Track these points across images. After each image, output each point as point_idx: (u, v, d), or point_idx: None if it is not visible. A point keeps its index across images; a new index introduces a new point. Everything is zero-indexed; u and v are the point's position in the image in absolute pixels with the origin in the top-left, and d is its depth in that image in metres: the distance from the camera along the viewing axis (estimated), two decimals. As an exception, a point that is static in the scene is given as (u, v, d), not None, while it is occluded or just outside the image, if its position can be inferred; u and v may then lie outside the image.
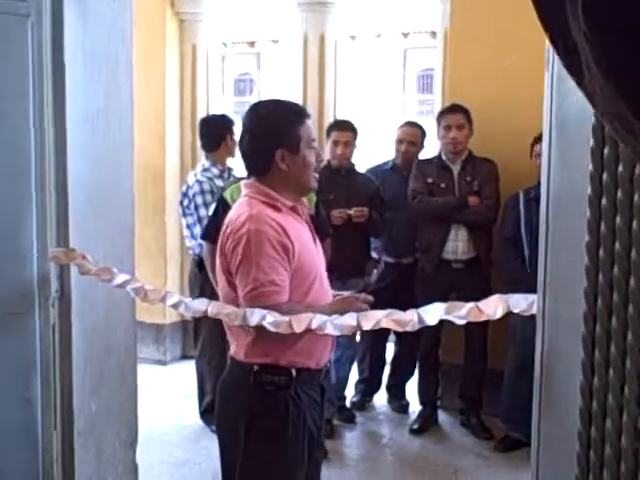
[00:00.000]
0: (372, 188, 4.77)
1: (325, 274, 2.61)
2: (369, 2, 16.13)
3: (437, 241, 4.61)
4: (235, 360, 2.47)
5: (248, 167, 2.55)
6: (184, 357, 6.05)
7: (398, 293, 4.77)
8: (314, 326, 1.69)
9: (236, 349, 2.46)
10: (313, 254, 2.51)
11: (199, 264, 4.67)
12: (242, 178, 4.23)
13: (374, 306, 2.53)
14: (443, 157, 4.65)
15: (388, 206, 4.77)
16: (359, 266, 4.74)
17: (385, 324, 1.57)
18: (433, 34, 20.86)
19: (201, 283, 4.59)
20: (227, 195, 4.10)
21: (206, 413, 4.78)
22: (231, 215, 2.45)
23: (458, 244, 4.59)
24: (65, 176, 2.20)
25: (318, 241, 2.66)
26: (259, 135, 2.45)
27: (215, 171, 4.76)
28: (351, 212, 4.54)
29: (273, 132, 2.44)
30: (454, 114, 4.53)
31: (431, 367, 4.89)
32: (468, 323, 4.53)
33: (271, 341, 2.34)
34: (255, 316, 1.77)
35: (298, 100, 5.50)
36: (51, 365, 2.22)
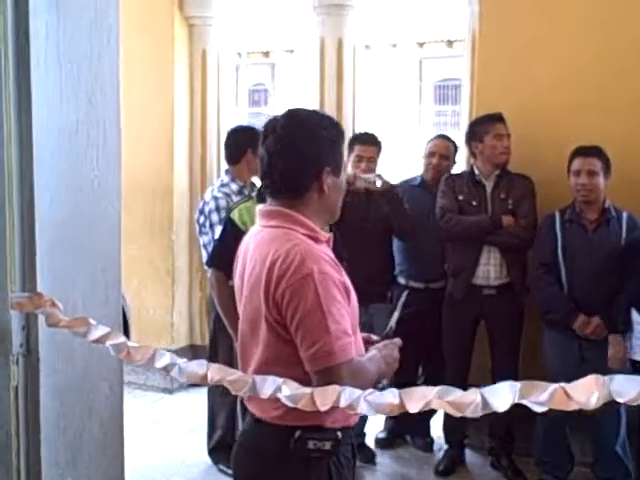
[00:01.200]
0: None
1: None
2: (385, 10, 15.77)
3: (467, 265, 4.21)
4: (264, 422, 2.04)
5: (278, 188, 2.06)
6: (192, 385, 5.65)
7: (427, 321, 4.39)
8: (343, 403, 1.31)
9: (264, 408, 2.02)
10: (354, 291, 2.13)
11: None
12: (251, 197, 3.90)
13: (401, 336, 2.21)
14: (476, 172, 4.25)
15: (415, 224, 4.35)
16: (382, 289, 4.36)
17: (437, 406, 1.18)
18: (449, 43, 20.76)
19: (216, 313, 4.23)
20: (235, 216, 3.73)
21: (215, 450, 4.40)
22: (268, 252, 1.98)
23: (490, 268, 4.19)
24: (31, 204, 1.80)
25: None
26: (303, 149, 2.00)
27: (234, 187, 4.37)
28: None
29: (324, 146, 2.03)
30: (503, 123, 4.17)
31: None
32: (497, 350, 4.20)
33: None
34: (268, 386, 1.39)
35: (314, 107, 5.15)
36: (13, 437, 1.82)
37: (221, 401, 4.35)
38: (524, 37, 4.34)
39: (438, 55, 20.54)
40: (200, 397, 4.89)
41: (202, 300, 5.80)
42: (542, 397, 1.06)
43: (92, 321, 1.48)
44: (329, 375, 1.82)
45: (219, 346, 4.25)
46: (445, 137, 4.75)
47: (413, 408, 1.22)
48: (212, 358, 4.46)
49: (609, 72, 4.16)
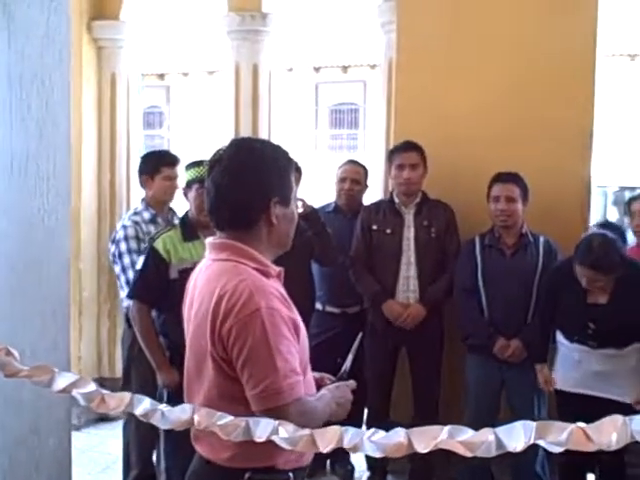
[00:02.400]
0: None
1: None
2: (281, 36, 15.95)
3: (385, 294, 4.22)
4: (213, 464, 1.98)
5: (226, 221, 2.00)
6: (101, 420, 5.41)
7: (343, 345, 4.35)
8: (347, 444, 1.25)
9: (213, 450, 1.97)
10: (304, 328, 2.08)
11: (128, 319, 4.17)
12: (174, 225, 3.79)
13: (317, 360, 2.18)
14: (395, 200, 4.27)
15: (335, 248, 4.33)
16: (304, 315, 4.30)
17: (447, 446, 1.15)
18: (344, 68, 21.05)
19: (131, 342, 4.07)
20: (159, 246, 3.61)
21: (132, 491, 4.21)
22: (214, 286, 1.92)
23: (409, 295, 4.21)
24: None
25: None
26: (250, 180, 1.94)
27: (146, 215, 4.24)
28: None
29: (270, 177, 1.96)
30: (408, 152, 4.17)
31: (380, 425, 4.46)
32: (418, 378, 4.22)
33: (268, 441, 1.89)
34: (262, 429, 1.31)
35: (230, 135, 5.08)
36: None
37: (136, 437, 4.19)
38: (442, 66, 4.42)
39: (334, 80, 20.84)
40: (112, 432, 4.70)
41: (110, 331, 5.60)
42: (560, 438, 1.04)
43: (55, 369, 1.37)
44: (276, 415, 1.73)
45: (132, 377, 4.11)
46: (355, 162, 4.77)
47: (423, 448, 1.19)
48: (125, 389, 4.31)
49: (524, 102, 4.29)
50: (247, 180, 1.93)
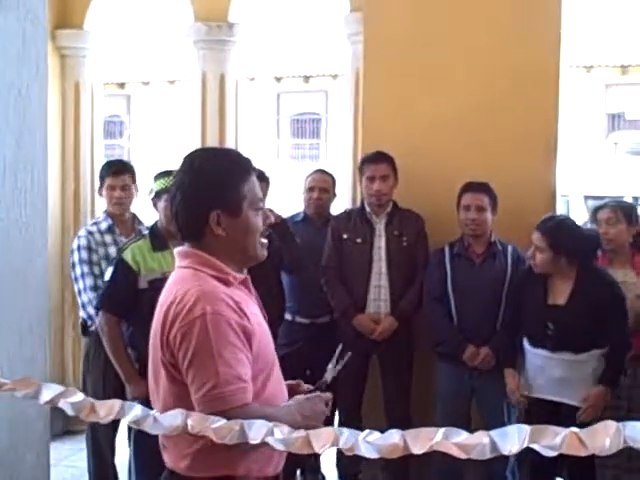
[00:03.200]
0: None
1: (277, 360, 2.17)
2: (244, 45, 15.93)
3: (356, 303, 4.23)
4: (175, 473, 1.98)
5: (180, 231, 2.06)
6: (66, 433, 5.32)
7: (313, 355, 4.35)
8: (343, 444, 1.25)
9: (175, 459, 1.98)
10: (269, 337, 2.08)
11: (83, 327, 4.18)
12: (143, 235, 3.76)
13: (286, 371, 2.17)
14: (367, 208, 4.28)
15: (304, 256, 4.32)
16: (273, 327, 4.28)
17: (442, 447, 1.15)
18: (306, 78, 21.10)
19: (86, 351, 4.09)
20: (128, 257, 3.58)
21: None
22: (171, 292, 1.95)
23: (380, 304, 4.22)
24: None
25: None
26: (191, 193, 1.98)
27: (103, 225, 4.25)
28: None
29: (208, 190, 1.97)
30: (378, 164, 4.18)
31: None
32: (389, 385, 4.23)
33: (226, 449, 1.87)
34: (257, 431, 1.30)
35: (196, 144, 5.05)
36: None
37: (96, 451, 4.16)
38: (409, 76, 4.44)
39: (295, 89, 20.87)
40: (78, 445, 4.62)
41: (75, 342, 5.53)
42: (554, 442, 1.05)
43: (37, 381, 1.34)
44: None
45: (87, 386, 4.09)
46: (323, 171, 4.78)
47: (418, 450, 1.19)
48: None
49: (491, 111, 4.33)
50: (186, 194, 1.98)
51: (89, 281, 4.07)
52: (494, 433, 1.15)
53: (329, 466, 4.64)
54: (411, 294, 4.19)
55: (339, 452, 4.49)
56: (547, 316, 3.63)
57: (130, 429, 3.77)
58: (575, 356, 3.58)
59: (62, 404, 1.32)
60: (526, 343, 3.73)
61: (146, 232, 3.77)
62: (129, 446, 3.84)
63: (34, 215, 1.82)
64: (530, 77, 4.28)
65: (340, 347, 2.38)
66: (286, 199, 5.98)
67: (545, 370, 3.64)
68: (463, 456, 1.16)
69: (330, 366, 2.25)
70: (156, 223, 3.73)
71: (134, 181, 4.30)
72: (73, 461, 4.81)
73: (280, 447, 1.28)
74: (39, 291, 1.97)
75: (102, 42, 5.53)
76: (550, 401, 3.65)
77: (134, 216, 4.36)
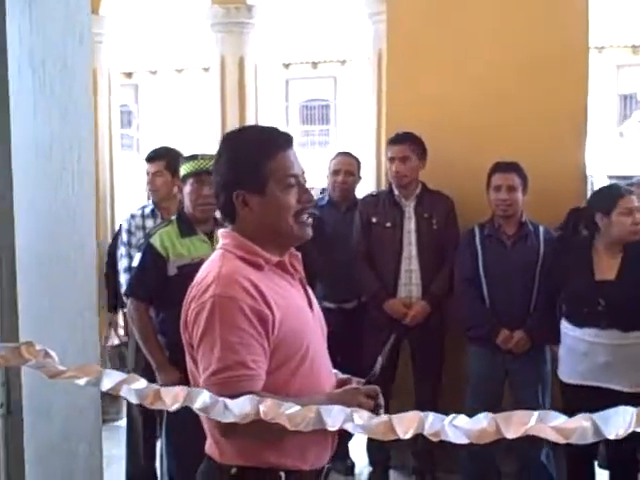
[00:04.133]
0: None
1: (325, 351, 2.07)
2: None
3: (386, 288, 4.16)
4: (210, 459, 1.95)
5: (219, 211, 2.07)
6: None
7: (341, 341, 4.29)
8: (428, 430, 1.17)
9: (210, 445, 1.96)
10: (306, 324, 1.97)
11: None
12: (171, 221, 3.70)
13: None
14: (395, 191, 4.21)
15: (325, 245, 4.25)
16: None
17: (538, 431, 1.08)
18: (314, 65, 20.99)
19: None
20: (156, 242, 3.52)
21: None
22: (199, 274, 1.93)
23: (412, 288, 4.16)
24: (12, 240, 1.54)
25: (317, 307, 2.13)
26: (219, 172, 1.97)
27: (147, 210, 4.25)
28: None
29: (229, 169, 1.94)
30: (397, 145, 4.13)
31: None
32: (420, 370, 4.16)
33: (246, 438, 1.82)
34: (335, 417, 1.22)
35: (216, 131, 4.99)
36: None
37: (135, 438, 4.14)
38: (434, 56, 4.36)
39: (304, 76, 20.77)
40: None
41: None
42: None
43: (99, 367, 1.28)
44: None
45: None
46: (348, 154, 4.71)
47: (511, 434, 1.12)
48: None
49: (519, 91, 4.25)
50: (215, 177, 1.99)
51: (125, 262, 4.08)
52: (596, 416, 1.08)
53: (359, 452, 4.59)
54: (442, 277, 4.12)
55: (369, 437, 4.44)
56: (598, 292, 3.53)
57: (162, 416, 3.73)
58: (624, 335, 3.49)
59: (124, 391, 1.25)
60: (568, 325, 3.64)
61: (173, 218, 3.70)
62: (159, 432, 3.80)
63: (82, 196, 1.75)
64: (559, 56, 4.20)
65: (393, 337, 2.29)
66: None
67: (588, 356, 3.55)
68: (562, 440, 1.09)
69: (380, 358, 2.16)
70: (183, 208, 3.66)
71: (167, 168, 4.25)
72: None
73: (361, 433, 1.22)
74: (88, 275, 1.91)
75: (118, 28, 5.45)
76: (590, 387, 3.57)
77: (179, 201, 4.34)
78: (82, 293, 1.85)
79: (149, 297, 3.55)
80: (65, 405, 1.67)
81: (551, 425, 1.09)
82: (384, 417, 1.20)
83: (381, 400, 2.00)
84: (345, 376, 2.14)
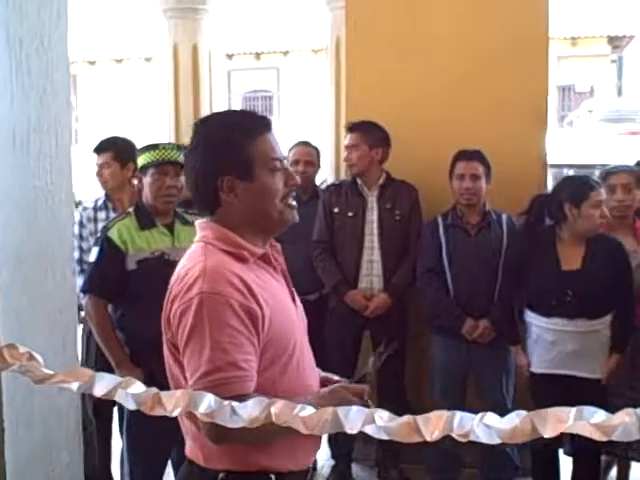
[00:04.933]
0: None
1: (308, 346, 1.98)
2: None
3: (348, 280, 4.10)
4: (193, 463, 1.83)
5: (195, 202, 1.93)
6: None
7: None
8: (457, 430, 1.10)
9: (191, 449, 1.84)
10: (292, 320, 1.89)
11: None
12: (129, 213, 3.56)
13: None
14: (358, 181, 4.14)
15: (287, 236, 4.15)
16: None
17: (579, 430, 1.02)
18: (257, 55, 20.82)
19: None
20: (114, 235, 3.37)
21: None
22: (179, 268, 1.81)
23: (373, 279, 4.10)
24: None
25: (298, 300, 2.04)
26: (199, 159, 1.83)
27: (99, 202, 4.11)
28: None
29: (213, 154, 1.82)
30: (348, 133, 4.12)
31: None
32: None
33: (238, 443, 1.72)
34: (354, 419, 1.14)
35: (170, 122, 4.84)
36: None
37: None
38: (395, 41, 4.30)
39: (246, 67, 20.59)
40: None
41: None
42: None
43: (91, 371, 1.17)
44: None
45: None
46: (306, 143, 4.64)
47: (549, 432, 1.05)
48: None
49: (480, 80, 4.22)
50: (193, 163, 1.85)
51: (77, 255, 3.94)
52: (640, 410, 1.02)
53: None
54: (404, 268, 4.07)
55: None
56: (565, 282, 3.53)
57: (122, 415, 3.59)
58: (590, 323, 3.49)
59: (120, 396, 1.15)
60: (534, 315, 3.63)
61: (131, 210, 3.56)
62: (121, 435, 3.66)
63: (60, 183, 1.61)
64: (519, 43, 4.19)
65: (386, 339, 2.21)
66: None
67: (556, 345, 3.54)
68: (604, 438, 1.02)
69: (372, 358, 2.08)
70: (141, 199, 3.52)
71: (115, 158, 4.11)
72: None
73: (382, 436, 1.14)
74: (67, 270, 1.77)
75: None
76: (558, 375, 3.56)
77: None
78: (61, 290, 1.72)
79: (108, 293, 3.41)
80: (44, 411, 1.54)
81: (592, 422, 1.03)
82: (407, 418, 1.13)
83: (368, 400, 1.93)
84: (326, 374, 2.06)
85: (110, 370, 3.41)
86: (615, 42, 20.04)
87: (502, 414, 3.46)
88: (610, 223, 3.72)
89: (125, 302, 3.36)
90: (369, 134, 4.08)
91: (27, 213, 1.56)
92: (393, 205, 4.08)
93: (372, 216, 4.09)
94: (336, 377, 2.04)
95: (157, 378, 3.17)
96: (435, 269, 3.95)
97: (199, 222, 1.92)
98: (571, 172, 7.04)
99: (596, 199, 3.50)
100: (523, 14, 4.17)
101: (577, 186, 3.61)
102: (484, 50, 4.22)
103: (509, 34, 4.18)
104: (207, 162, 1.82)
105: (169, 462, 3.52)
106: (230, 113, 2.09)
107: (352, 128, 4.11)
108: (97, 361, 3.76)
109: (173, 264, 3.31)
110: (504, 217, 3.96)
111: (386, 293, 4.05)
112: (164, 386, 1.39)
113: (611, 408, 1.07)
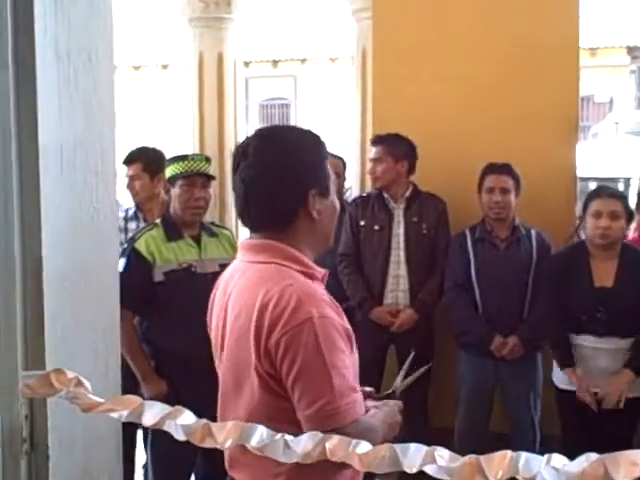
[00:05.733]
0: None
1: None
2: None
3: (373, 294, 4.04)
4: None
5: (259, 220, 1.79)
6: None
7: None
8: (522, 472, 1.05)
9: (255, 477, 1.75)
10: None
11: None
12: (156, 224, 3.52)
13: None
14: (384, 194, 4.09)
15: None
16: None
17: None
18: (274, 63, 20.83)
19: None
20: (141, 246, 3.34)
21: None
22: (256, 293, 1.69)
23: (398, 294, 4.04)
24: (39, 254, 1.35)
25: None
26: (282, 173, 1.72)
27: (130, 212, 4.14)
28: None
29: (303, 167, 1.74)
30: (372, 146, 4.09)
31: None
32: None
33: (312, 469, 1.66)
34: (413, 457, 1.09)
35: (194, 130, 4.82)
36: None
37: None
38: (422, 52, 4.26)
39: (263, 74, 20.59)
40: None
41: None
42: None
43: (139, 399, 1.13)
44: None
45: None
46: (333, 155, 4.58)
47: (622, 477, 1.00)
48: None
49: (509, 91, 4.17)
50: (281, 173, 1.73)
51: None
52: None
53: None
54: (431, 284, 4.01)
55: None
56: (597, 299, 3.45)
57: (146, 431, 3.55)
58: (622, 341, 3.42)
59: (170, 427, 1.10)
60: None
61: (158, 221, 3.53)
62: (146, 450, 3.61)
63: (105, 201, 1.57)
64: (549, 53, 4.14)
65: (412, 354, 2.16)
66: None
67: (587, 360, 3.47)
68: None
69: (402, 373, 2.04)
70: (168, 211, 3.49)
71: (145, 170, 4.08)
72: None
73: (443, 477, 1.08)
74: (111, 291, 1.72)
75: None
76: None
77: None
78: (104, 310, 1.67)
79: (135, 305, 3.37)
80: (86, 434, 1.50)
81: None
82: (469, 458, 1.07)
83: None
84: (369, 389, 2.02)
85: (131, 381, 3.38)
86: (634, 52, 19.90)
87: (529, 433, 3.38)
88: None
89: (152, 314, 3.33)
90: (394, 147, 4.03)
91: (73, 232, 1.51)
92: (420, 218, 4.02)
93: (399, 230, 4.03)
94: (368, 388, 1.99)
95: (181, 392, 3.16)
96: (463, 284, 3.88)
97: (250, 242, 1.83)
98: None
99: (594, 208, 3.45)
100: (553, 23, 4.11)
101: (587, 196, 3.57)
102: (513, 60, 4.17)
103: (539, 44, 4.12)
104: (297, 174, 1.74)
105: (192, 477, 3.49)
106: (298, 128, 2.00)
107: (376, 141, 4.07)
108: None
109: (200, 276, 3.33)
110: (533, 232, 3.90)
111: (412, 309, 3.99)
112: (188, 403, 1.32)
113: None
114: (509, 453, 1.06)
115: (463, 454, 3.18)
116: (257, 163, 1.75)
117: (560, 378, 3.61)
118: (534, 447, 3.87)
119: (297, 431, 1.61)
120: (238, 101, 14.36)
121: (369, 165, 4.16)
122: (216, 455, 1.74)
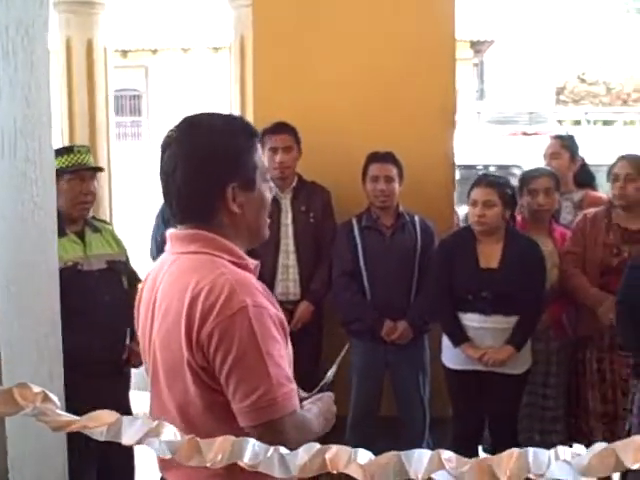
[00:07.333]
0: None
1: None
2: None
3: (264, 282, 3.99)
4: None
5: (182, 213, 1.72)
6: None
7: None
8: (535, 469, 1.03)
9: (190, 478, 1.66)
10: None
11: None
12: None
13: None
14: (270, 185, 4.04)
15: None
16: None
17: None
18: (124, 53, 20.24)
19: None
20: None
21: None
22: (186, 283, 1.62)
23: (289, 284, 4.02)
24: None
25: None
26: (200, 165, 1.65)
27: None
28: None
29: (223, 159, 1.66)
30: (279, 135, 3.96)
31: None
32: (298, 367, 4.01)
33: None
34: (418, 463, 1.04)
35: (63, 119, 4.59)
36: None
37: None
38: (301, 42, 4.24)
39: (113, 64, 19.96)
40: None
41: None
42: None
43: (117, 415, 1.02)
44: (270, 430, 1.55)
45: None
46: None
47: (631, 463, 1.00)
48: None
49: (387, 82, 4.24)
50: (197, 165, 1.66)
51: None
52: None
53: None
54: (321, 273, 4.02)
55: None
56: (482, 280, 3.57)
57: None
58: (505, 320, 3.55)
59: (153, 444, 1.00)
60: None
61: None
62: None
63: (45, 194, 1.41)
64: (426, 44, 4.23)
65: (347, 346, 2.15)
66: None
67: (474, 339, 3.59)
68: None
69: (334, 367, 2.03)
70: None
71: None
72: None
73: (452, 482, 1.05)
74: (52, 292, 1.56)
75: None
76: (474, 371, 3.61)
77: None
78: (47, 313, 1.52)
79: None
80: (36, 448, 1.36)
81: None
82: (477, 460, 1.05)
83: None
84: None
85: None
86: (477, 46, 20.83)
87: (418, 412, 3.46)
88: (527, 223, 3.82)
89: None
90: (295, 135, 4.00)
91: (15, 230, 1.36)
92: (307, 207, 4.02)
93: (287, 219, 4.01)
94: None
95: (80, 395, 3.00)
96: (351, 272, 3.91)
97: (180, 233, 1.74)
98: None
99: (471, 197, 3.63)
100: (430, 16, 4.21)
101: (470, 185, 3.72)
102: (393, 52, 4.23)
103: (417, 34, 4.21)
104: (214, 166, 1.66)
105: None
106: (226, 116, 1.90)
107: (285, 129, 3.98)
108: None
109: (86, 274, 3.16)
110: (417, 218, 3.98)
111: (307, 300, 3.99)
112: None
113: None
114: (515, 450, 1.05)
115: (357, 440, 3.21)
116: (176, 154, 1.68)
117: (449, 357, 3.72)
118: (424, 426, 3.98)
119: (232, 425, 1.57)
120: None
121: (268, 154, 3.99)
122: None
